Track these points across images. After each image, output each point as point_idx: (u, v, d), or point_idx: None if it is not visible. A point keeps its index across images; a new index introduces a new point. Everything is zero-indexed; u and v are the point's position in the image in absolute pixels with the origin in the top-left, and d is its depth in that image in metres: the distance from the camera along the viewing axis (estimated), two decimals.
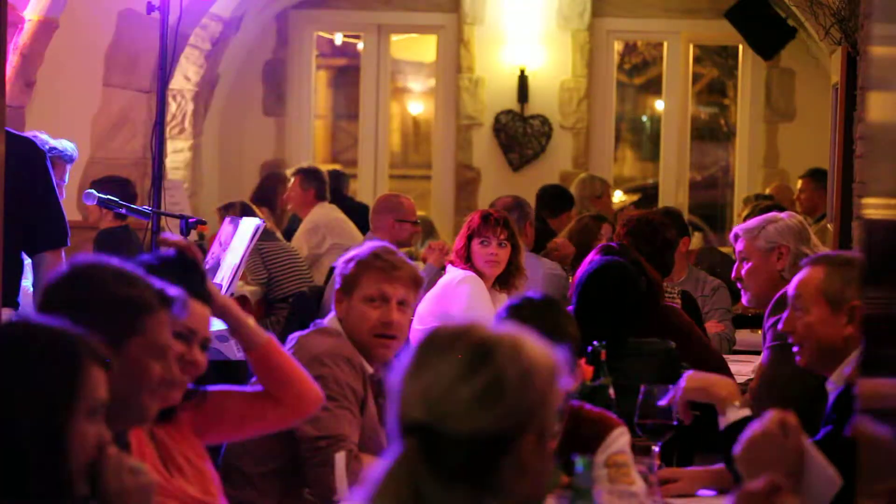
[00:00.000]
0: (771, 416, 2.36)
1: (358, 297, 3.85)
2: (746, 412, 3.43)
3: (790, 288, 3.61)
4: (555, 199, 9.18)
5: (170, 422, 3.10)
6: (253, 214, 8.45)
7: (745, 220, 6.22)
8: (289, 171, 9.71)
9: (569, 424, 3.31)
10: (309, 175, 9.35)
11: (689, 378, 3.49)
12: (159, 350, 2.68)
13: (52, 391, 2.25)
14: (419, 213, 10.31)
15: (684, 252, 6.57)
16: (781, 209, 5.82)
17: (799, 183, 10.30)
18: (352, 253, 3.96)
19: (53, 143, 5.98)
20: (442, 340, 2.06)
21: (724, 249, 9.37)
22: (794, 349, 3.60)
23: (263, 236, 8.21)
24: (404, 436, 2.01)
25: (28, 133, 5.72)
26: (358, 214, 9.60)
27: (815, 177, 9.94)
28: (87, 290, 2.64)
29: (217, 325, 3.27)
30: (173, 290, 2.73)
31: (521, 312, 3.31)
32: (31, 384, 2.25)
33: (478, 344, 2.04)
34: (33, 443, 2.22)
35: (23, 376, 2.26)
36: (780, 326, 3.68)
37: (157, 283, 2.71)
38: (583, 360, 3.46)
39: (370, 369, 3.85)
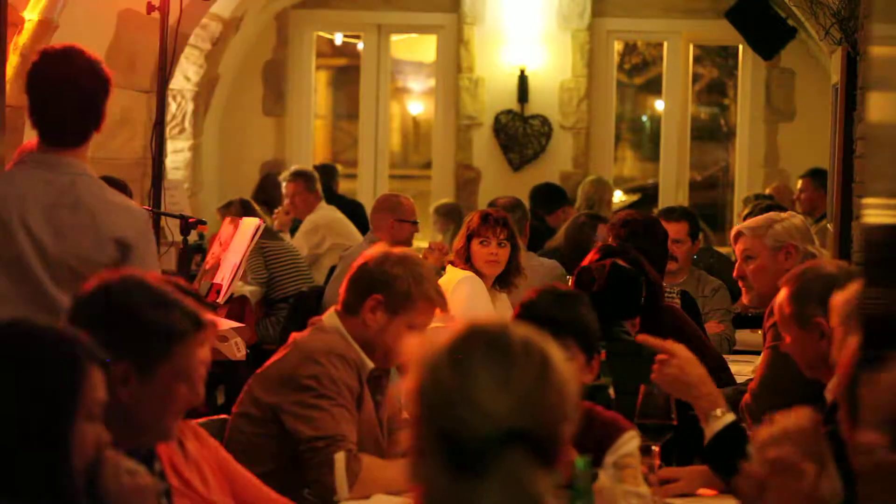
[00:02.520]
0: (802, 414, 2.35)
1: (404, 321, 3.82)
2: (731, 417, 3.45)
3: (774, 312, 3.67)
4: (548, 195, 9.22)
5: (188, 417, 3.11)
6: (253, 211, 8.46)
7: (744, 219, 6.22)
8: (284, 175, 9.66)
9: (581, 425, 3.31)
10: (311, 178, 9.37)
11: (680, 371, 3.48)
12: (187, 374, 2.69)
13: (54, 394, 2.25)
14: (443, 200, 10.36)
15: (694, 253, 6.57)
16: (782, 209, 5.82)
17: (799, 183, 10.30)
18: (397, 262, 3.84)
19: None
20: (517, 349, 2.02)
21: (723, 250, 9.37)
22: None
23: (266, 235, 8.21)
24: (502, 445, 1.96)
25: None
26: (349, 211, 9.61)
27: (816, 177, 9.95)
28: (122, 313, 2.64)
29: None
30: (206, 315, 2.72)
31: (544, 303, 3.33)
32: (34, 387, 2.24)
33: (543, 353, 2.04)
34: (35, 444, 2.22)
35: (25, 379, 2.25)
36: (781, 348, 3.74)
37: (192, 307, 2.70)
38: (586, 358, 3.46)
39: (371, 364, 3.85)
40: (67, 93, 3.95)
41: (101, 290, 2.68)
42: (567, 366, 2.06)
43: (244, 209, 8.43)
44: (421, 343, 2.05)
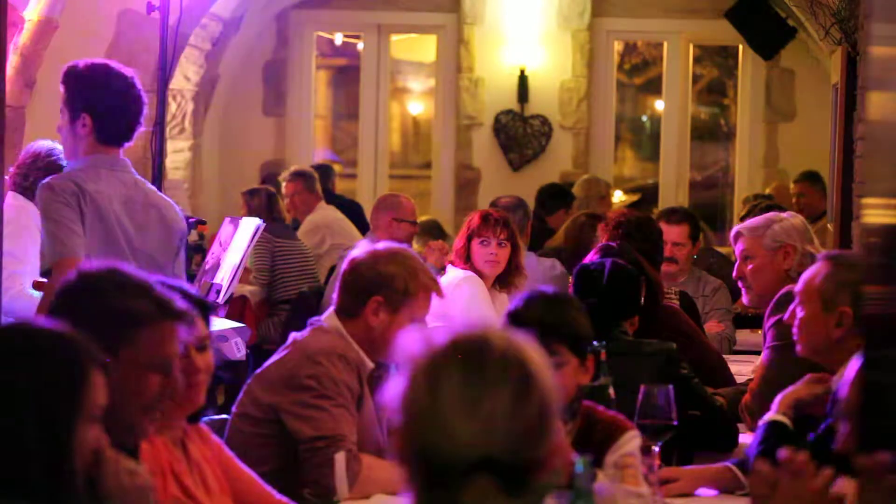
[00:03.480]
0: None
1: (406, 316, 3.84)
2: (777, 417, 3.48)
3: (800, 281, 3.65)
4: (551, 196, 9.20)
5: (195, 422, 3.10)
6: (277, 205, 8.48)
7: (742, 219, 6.20)
8: (283, 176, 9.65)
9: (582, 425, 3.31)
10: (310, 178, 9.37)
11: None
12: (159, 364, 2.61)
13: (57, 396, 2.24)
14: (424, 217, 10.34)
15: (694, 255, 6.56)
16: (781, 209, 5.82)
17: (794, 187, 10.21)
18: (389, 260, 3.85)
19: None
20: (494, 367, 1.98)
21: (723, 250, 9.36)
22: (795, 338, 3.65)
23: (281, 234, 8.21)
24: (467, 473, 1.95)
25: (46, 145, 5.70)
26: (348, 212, 9.60)
27: (812, 179, 9.91)
28: (86, 299, 2.61)
29: (217, 325, 3.27)
30: (181, 303, 2.66)
31: (533, 308, 3.32)
32: (36, 389, 2.24)
33: (523, 371, 1.99)
34: (38, 446, 2.22)
35: (27, 381, 2.24)
36: (785, 316, 3.72)
37: (165, 295, 2.65)
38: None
39: (371, 364, 3.85)
40: (131, 98, 4.45)
41: (77, 278, 2.65)
42: (549, 380, 2.02)
43: (269, 201, 8.45)
44: (412, 344, 2.03)
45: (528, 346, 2.03)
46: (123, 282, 2.64)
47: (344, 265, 3.95)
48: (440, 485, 1.96)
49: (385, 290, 3.82)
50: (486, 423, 1.95)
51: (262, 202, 8.41)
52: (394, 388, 2.03)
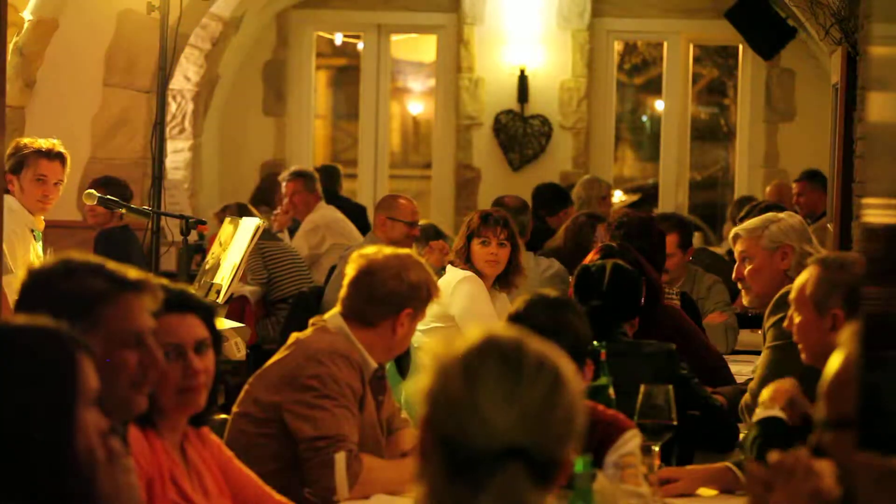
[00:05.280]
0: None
1: (419, 319, 3.94)
2: (774, 413, 3.48)
3: (792, 289, 3.65)
4: (552, 197, 9.19)
5: (200, 426, 3.10)
6: (250, 214, 8.44)
7: (739, 221, 6.19)
8: (283, 176, 9.64)
9: None
10: (310, 178, 9.37)
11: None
12: (129, 339, 2.56)
13: (55, 387, 2.23)
14: (423, 220, 10.31)
15: (685, 262, 6.53)
16: (780, 209, 5.81)
17: (795, 187, 10.20)
18: (409, 268, 3.91)
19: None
20: (530, 365, 2.03)
21: (718, 250, 9.36)
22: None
23: (265, 236, 8.21)
24: (500, 460, 1.99)
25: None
26: (352, 214, 9.60)
27: (811, 178, 9.90)
28: (39, 293, 2.57)
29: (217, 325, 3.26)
30: (133, 273, 2.59)
31: (533, 311, 3.31)
32: (35, 383, 2.23)
33: (555, 374, 2.05)
34: (45, 440, 2.21)
35: (25, 376, 2.24)
36: (784, 324, 3.72)
37: (118, 271, 2.57)
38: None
39: (374, 364, 3.86)
40: None
41: (28, 276, 2.60)
42: (578, 386, 2.07)
43: (241, 213, 8.42)
44: (437, 346, 2.06)
45: (559, 355, 2.08)
46: (73, 267, 2.58)
47: (355, 271, 3.93)
48: (466, 473, 1.99)
49: (414, 301, 3.88)
50: (524, 415, 2.00)
51: (233, 215, 8.40)
52: (416, 382, 2.05)
